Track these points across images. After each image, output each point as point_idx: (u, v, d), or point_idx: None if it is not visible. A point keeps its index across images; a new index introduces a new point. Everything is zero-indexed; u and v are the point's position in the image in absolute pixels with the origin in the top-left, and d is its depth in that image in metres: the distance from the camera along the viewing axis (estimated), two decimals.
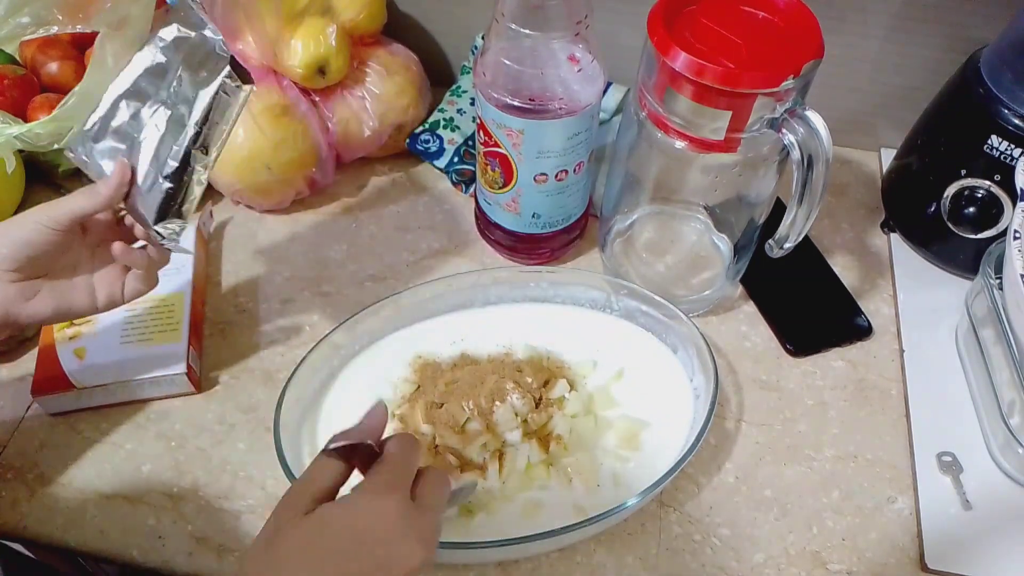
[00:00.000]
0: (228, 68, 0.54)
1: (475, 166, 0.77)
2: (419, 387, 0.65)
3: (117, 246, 0.55)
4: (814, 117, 0.53)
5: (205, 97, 0.54)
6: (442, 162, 0.83)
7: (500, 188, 0.69)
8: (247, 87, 0.55)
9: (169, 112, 0.55)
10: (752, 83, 0.52)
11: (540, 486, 0.60)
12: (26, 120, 0.76)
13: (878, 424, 0.66)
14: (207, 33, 0.54)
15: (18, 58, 0.81)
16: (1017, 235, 0.60)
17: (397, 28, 0.86)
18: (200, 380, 0.68)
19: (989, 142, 0.66)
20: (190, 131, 0.54)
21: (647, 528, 0.60)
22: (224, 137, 0.56)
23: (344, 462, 0.43)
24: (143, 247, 0.57)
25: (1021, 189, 0.61)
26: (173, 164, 0.55)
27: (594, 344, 0.68)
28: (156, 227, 0.55)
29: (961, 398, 0.67)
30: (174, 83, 0.55)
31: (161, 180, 0.55)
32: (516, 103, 0.61)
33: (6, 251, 0.52)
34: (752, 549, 0.59)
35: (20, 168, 0.79)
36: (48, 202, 0.53)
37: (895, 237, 0.78)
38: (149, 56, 0.56)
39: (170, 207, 0.55)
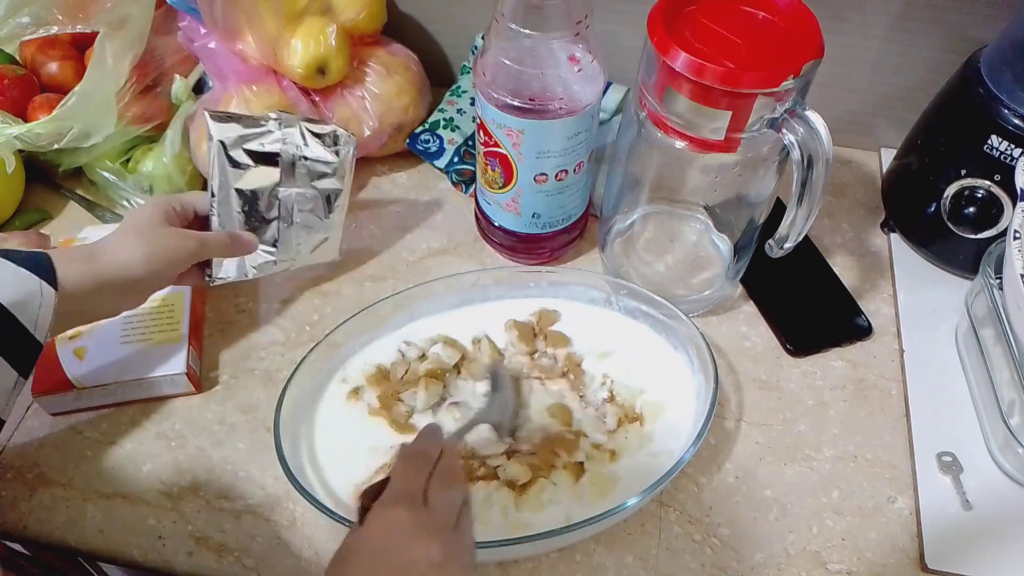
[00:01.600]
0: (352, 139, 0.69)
1: (475, 166, 0.77)
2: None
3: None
4: (814, 117, 0.53)
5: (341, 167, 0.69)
6: (442, 162, 0.83)
7: (500, 188, 0.69)
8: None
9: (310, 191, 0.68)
10: (752, 83, 0.52)
11: (550, 500, 0.59)
12: (26, 120, 0.76)
13: (878, 424, 0.66)
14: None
15: (18, 58, 0.81)
16: (1017, 235, 0.60)
17: (397, 28, 0.86)
18: (200, 380, 0.68)
19: (989, 142, 0.66)
20: (340, 204, 0.71)
21: (647, 528, 0.60)
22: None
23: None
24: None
25: (1021, 189, 0.61)
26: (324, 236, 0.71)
27: (593, 341, 0.68)
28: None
29: (961, 398, 0.67)
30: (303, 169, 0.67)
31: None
32: (516, 103, 0.61)
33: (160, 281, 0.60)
34: (752, 549, 0.59)
35: (20, 168, 0.79)
36: (186, 237, 0.60)
37: (895, 237, 0.78)
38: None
39: None
